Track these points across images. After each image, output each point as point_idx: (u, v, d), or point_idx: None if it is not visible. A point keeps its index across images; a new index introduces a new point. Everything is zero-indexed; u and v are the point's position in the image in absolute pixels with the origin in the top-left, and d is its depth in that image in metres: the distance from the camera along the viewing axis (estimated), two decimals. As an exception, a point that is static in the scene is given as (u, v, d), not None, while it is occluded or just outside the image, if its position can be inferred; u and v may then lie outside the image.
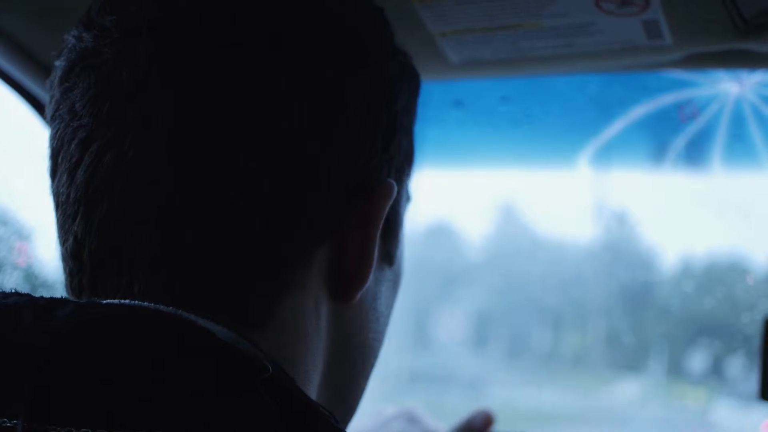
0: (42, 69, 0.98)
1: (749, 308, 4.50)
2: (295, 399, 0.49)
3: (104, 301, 0.51)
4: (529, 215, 5.02)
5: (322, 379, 0.59)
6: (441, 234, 4.47)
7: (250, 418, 0.47)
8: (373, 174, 0.57)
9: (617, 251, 4.43)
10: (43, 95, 0.95)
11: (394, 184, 0.57)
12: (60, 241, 0.57)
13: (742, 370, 4.98)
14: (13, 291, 0.52)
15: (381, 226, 0.57)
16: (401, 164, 0.61)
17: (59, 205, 0.56)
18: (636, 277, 4.32)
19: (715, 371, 5.03)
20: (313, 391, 0.58)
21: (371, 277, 0.57)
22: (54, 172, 0.56)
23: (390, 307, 0.65)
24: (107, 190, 0.52)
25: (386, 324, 0.65)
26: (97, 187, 0.53)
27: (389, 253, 0.62)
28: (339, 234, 0.55)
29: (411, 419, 0.99)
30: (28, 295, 0.51)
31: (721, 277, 4.42)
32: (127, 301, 0.51)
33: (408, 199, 0.65)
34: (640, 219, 4.37)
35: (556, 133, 1.05)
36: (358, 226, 0.56)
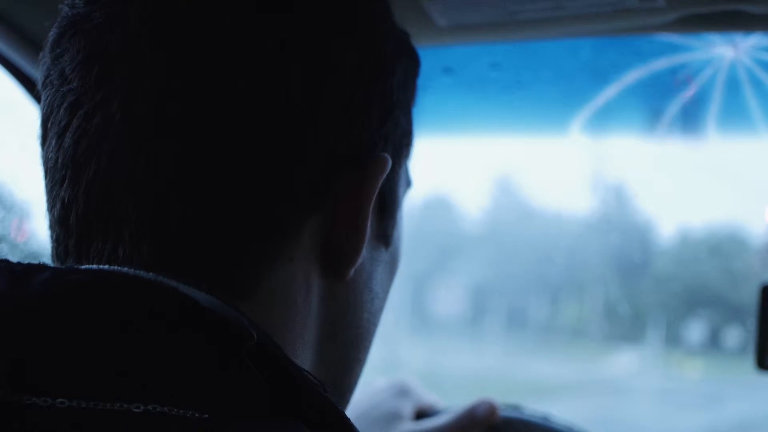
0: (35, 49, 0.96)
1: (747, 279, 4.52)
2: (282, 367, 0.48)
3: (82, 267, 0.50)
4: (526, 188, 5.02)
5: (316, 358, 0.58)
6: (438, 207, 4.47)
7: (234, 386, 0.46)
8: (366, 147, 0.55)
9: (615, 223, 4.43)
10: (35, 74, 0.94)
11: (389, 158, 0.56)
12: (48, 207, 0.56)
13: (739, 340, 5.00)
14: None
15: (373, 200, 0.55)
16: (398, 142, 0.59)
17: (48, 171, 0.55)
18: (634, 248, 4.33)
19: (713, 341, 5.05)
20: (304, 367, 0.57)
21: (366, 255, 0.56)
22: (44, 139, 0.55)
23: (386, 290, 0.64)
24: (94, 152, 0.51)
25: (381, 307, 0.64)
26: (85, 150, 0.51)
27: (385, 233, 0.61)
28: (330, 206, 0.54)
29: (403, 392, 0.98)
30: (5, 261, 0.50)
31: (718, 247, 4.43)
32: (107, 266, 0.50)
33: (408, 183, 0.64)
34: (637, 190, 4.36)
35: (548, 100, 1.03)
36: (350, 199, 0.54)
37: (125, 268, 0.50)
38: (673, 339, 5.11)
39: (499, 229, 4.97)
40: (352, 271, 0.57)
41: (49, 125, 0.55)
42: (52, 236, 0.56)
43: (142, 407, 0.44)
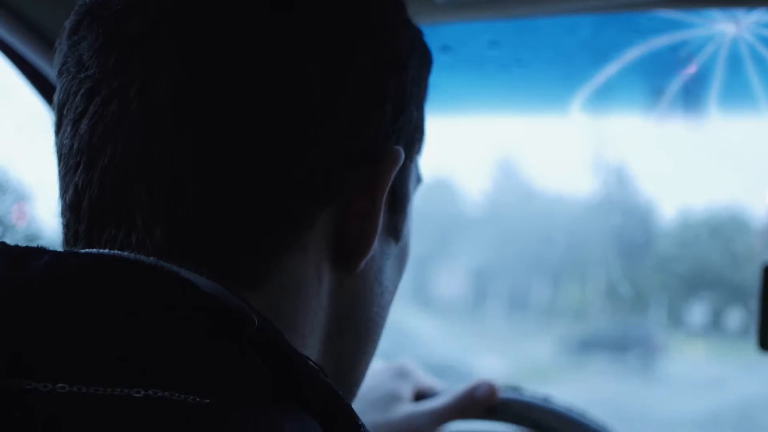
0: (46, 44, 0.95)
1: (748, 260, 4.52)
2: (283, 353, 0.48)
3: (82, 251, 0.50)
4: (526, 169, 5.01)
5: (324, 351, 0.58)
6: (439, 189, 4.47)
7: (235, 372, 0.46)
8: (379, 141, 0.56)
9: (616, 205, 4.43)
10: (47, 69, 0.93)
11: (401, 151, 0.56)
12: (60, 193, 0.55)
13: (741, 321, 5.00)
14: None
15: (386, 193, 0.56)
16: (411, 137, 0.59)
17: (62, 157, 0.54)
18: (635, 230, 4.33)
19: (715, 323, 5.05)
20: (312, 359, 0.57)
21: (376, 248, 0.57)
22: (59, 125, 0.55)
23: (395, 284, 0.64)
24: (110, 139, 0.51)
25: (390, 301, 0.64)
26: (101, 137, 0.51)
27: (396, 228, 0.61)
28: (343, 198, 0.54)
29: (402, 374, 0.97)
30: (2, 244, 0.50)
31: (720, 229, 4.43)
32: (106, 250, 0.50)
33: (418, 179, 0.64)
34: (638, 172, 4.35)
35: (547, 78, 1.02)
36: (363, 192, 0.55)
37: (125, 253, 0.49)
38: (674, 321, 5.11)
39: (500, 211, 4.97)
40: (362, 265, 0.58)
41: (64, 111, 0.55)
42: (62, 222, 0.56)
43: (142, 392, 0.44)
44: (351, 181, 0.55)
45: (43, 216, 1.28)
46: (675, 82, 1.01)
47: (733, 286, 4.84)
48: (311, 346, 0.57)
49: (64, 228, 0.55)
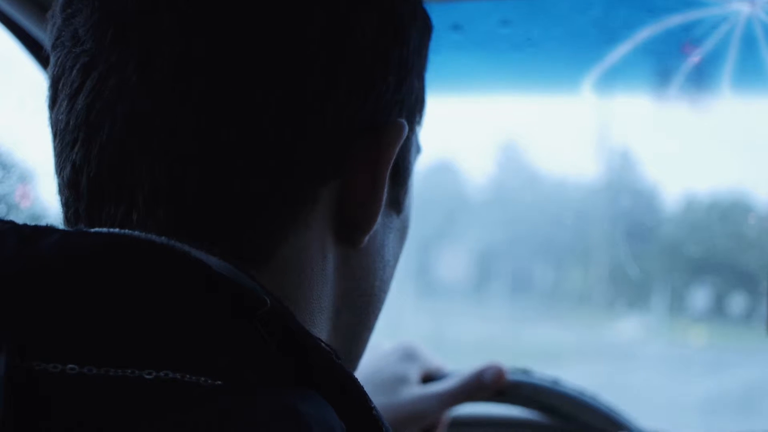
0: (40, 9, 0.94)
1: (753, 245, 4.52)
2: (295, 334, 0.48)
3: (92, 230, 0.49)
4: (531, 153, 4.99)
5: (329, 326, 0.58)
6: (442, 172, 4.45)
7: (247, 353, 0.45)
8: (382, 113, 0.55)
9: (620, 189, 4.42)
10: (41, 36, 0.92)
11: (405, 123, 0.56)
12: (57, 171, 0.55)
13: (744, 307, 5.01)
14: None
15: (390, 167, 0.55)
16: (412, 108, 0.59)
17: (57, 134, 0.54)
18: (639, 214, 4.31)
19: (718, 308, 5.05)
20: (320, 336, 0.56)
21: (379, 222, 0.56)
22: (53, 101, 0.55)
23: (396, 257, 0.64)
24: (109, 115, 0.51)
25: (392, 274, 0.64)
26: (99, 113, 0.51)
27: (398, 200, 0.61)
28: (346, 173, 0.54)
29: (409, 355, 0.97)
30: (11, 222, 0.49)
31: (724, 214, 4.42)
32: (117, 229, 0.49)
33: (418, 149, 0.64)
34: (642, 156, 4.34)
35: (558, 58, 1.02)
36: (367, 166, 0.55)
37: (136, 232, 0.49)
38: (678, 305, 5.11)
39: (504, 195, 4.96)
40: (366, 239, 0.57)
41: (59, 86, 0.54)
42: (61, 200, 0.55)
43: (154, 374, 0.43)
44: (354, 156, 0.55)
45: (47, 196, 1.27)
46: (688, 62, 1.00)
47: (737, 270, 4.83)
48: (319, 323, 0.57)
49: (63, 207, 0.55)
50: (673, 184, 4.37)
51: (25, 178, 1.25)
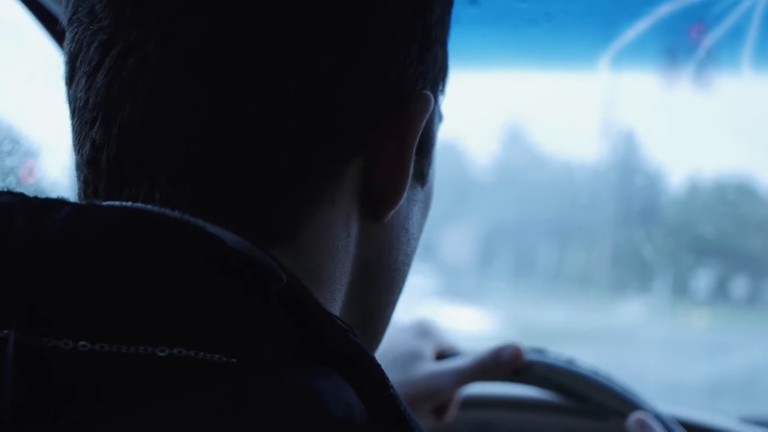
0: None
1: (756, 229, 4.51)
2: (311, 311, 0.47)
3: (104, 204, 0.48)
4: (535, 135, 4.99)
5: (348, 301, 0.57)
6: (446, 153, 4.44)
7: (262, 330, 0.45)
8: (407, 86, 0.54)
9: (624, 171, 4.41)
10: (56, 9, 0.91)
11: (431, 96, 0.55)
12: (75, 149, 0.54)
13: (747, 290, 5.01)
14: (5, 190, 0.49)
15: (417, 141, 0.54)
16: (436, 78, 0.58)
17: (76, 111, 0.53)
18: (643, 196, 4.31)
19: (721, 291, 5.06)
20: (336, 311, 0.55)
21: (404, 195, 0.55)
22: (71, 78, 0.54)
23: (420, 229, 0.63)
24: (130, 94, 0.50)
25: (416, 247, 0.63)
26: (119, 92, 0.50)
27: (422, 172, 0.60)
28: (372, 148, 0.53)
29: (424, 332, 0.97)
30: (21, 195, 0.48)
31: (728, 197, 4.41)
32: (129, 203, 0.48)
33: (440, 118, 0.62)
34: (647, 138, 4.33)
35: (577, 33, 1.00)
36: (393, 140, 0.54)
37: (149, 206, 0.47)
38: (680, 288, 5.11)
39: (509, 176, 4.95)
40: (391, 214, 0.56)
41: (77, 63, 0.53)
42: (79, 177, 0.55)
43: (167, 351, 0.42)
44: (380, 130, 0.54)
45: (53, 173, 1.27)
46: (708, 39, 0.98)
47: (740, 253, 4.83)
48: (340, 299, 0.56)
49: (82, 183, 0.54)
50: (678, 166, 4.36)
51: (31, 153, 1.24)
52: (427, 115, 0.55)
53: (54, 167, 1.23)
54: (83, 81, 0.52)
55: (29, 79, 1.04)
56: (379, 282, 0.59)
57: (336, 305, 0.56)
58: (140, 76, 0.50)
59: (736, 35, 0.97)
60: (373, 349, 0.62)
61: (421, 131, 0.55)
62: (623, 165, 4.31)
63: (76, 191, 0.55)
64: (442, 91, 0.61)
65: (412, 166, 0.55)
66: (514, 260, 5.52)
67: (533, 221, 5.20)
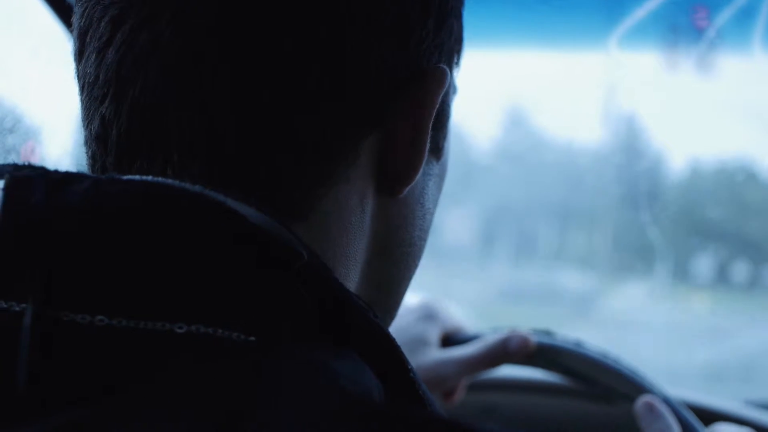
0: None
1: (757, 213, 4.51)
2: (331, 289, 0.46)
3: (124, 177, 0.47)
4: (537, 118, 4.98)
5: (362, 277, 0.56)
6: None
7: (282, 309, 0.44)
8: (423, 60, 0.54)
9: (626, 154, 4.40)
10: None
11: (447, 70, 0.54)
12: (84, 124, 0.54)
13: (747, 274, 5.01)
14: (27, 164, 0.48)
15: (433, 116, 0.54)
16: (451, 50, 0.57)
17: (86, 87, 0.53)
18: (644, 180, 4.30)
19: (721, 275, 5.06)
20: (352, 289, 0.55)
21: (420, 170, 0.55)
22: (81, 53, 0.53)
23: (435, 203, 0.63)
24: (142, 69, 0.49)
25: (431, 222, 0.62)
26: (131, 67, 0.50)
27: (438, 146, 0.59)
28: (388, 123, 0.53)
29: (429, 316, 0.96)
30: (42, 168, 0.48)
31: (729, 181, 4.40)
32: (150, 177, 0.47)
33: (455, 90, 0.62)
34: (649, 121, 4.33)
35: (586, 10, 0.99)
36: (410, 116, 0.53)
37: (169, 180, 0.46)
38: (681, 272, 5.11)
39: (511, 159, 4.94)
40: (407, 189, 0.55)
41: (87, 39, 0.53)
42: (87, 152, 0.54)
43: (185, 328, 0.42)
44: (396, 106, 0.53)
45: (55, 153, 1.26)
46: (720, 17, 0.97)
47: (741, 237, 4.83)
48: (354, 276, 0.56)
49: (90, 159, 0.54)
50: (680, 150, 4.36)
51: (33, 133, 1.23)
52: (444, 89, 0.54)
53: (56, 147, 1.22)
54: (93, 56, 0.51)
55: (32, 57, 1.03)
56: (394, 258, 0.59)
57: (351, 282, 0.55)
58: (153, 51, 0.49)
59: (746, 15, 0.96)
60: (389, 323, 0.62)
61: (437, 106, 0.54)
62: (625, 148, 4.30)
63: (85, 169, 0.55)
64: (458, 63, 0.60)
65: (428, 141, 0.54)
66: (516, 243, 5.53)
67: (535, 204, 5.20)
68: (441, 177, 0.62)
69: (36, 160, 1.27)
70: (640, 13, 0.98)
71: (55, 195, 0.45)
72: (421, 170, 0.55)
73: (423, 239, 0.61)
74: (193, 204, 0.45)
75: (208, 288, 0.43)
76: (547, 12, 0.99)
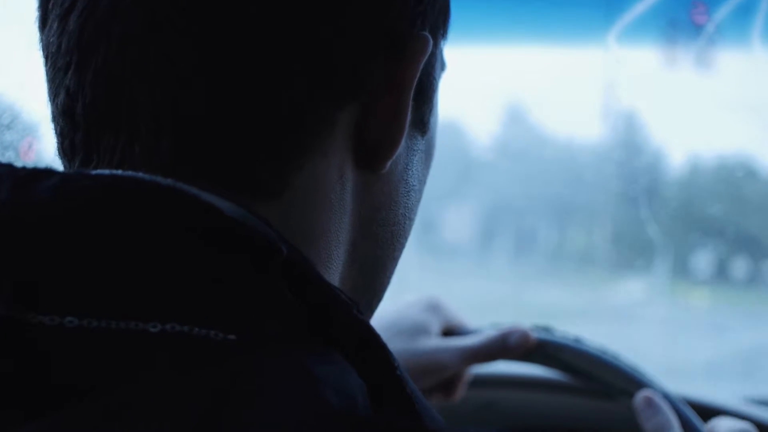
0: None
1: (756, 209, 4.50)
2: (313, 284, 0.45)
3: (93, 172, 0.46)
4: (536, 114, 4.96)
5: (347, 259, 0.55)
6: (448, 132, 4.42)
7: (259, 305, 0.43)
8: (404, 27, 0.52)
9: (626, 150, 4.39)
10: None
11: (429, 38, 0.53)
12: (50, 98, 0.52)
13: (747, 270, 5.00)
14: None
15: (414, 86, 0.52)
16: (435, 20, 0.56)
17: (49, 57, 0.51)
18: (643, 176, 4.29)
19: (721, 271, 5.05)
20: (336, 271, 0.54)
21: (402, 144, 0.53)
22: (44, 21, 0.51)
23: (422, 181, 0.61)
24: (103, 37, 0.47)
25: (418, 200, 0.61)
26: (92, 34, 0.48)
27: (422, 120, 0.58)
28: (366, 94, 0.51)
29: (432, 307, 0.95)
30: (8, 165, 0.46)
31: (728, 177, 4.39)
32: (119, 171, 0.46)
33: (443, 66, 0.60)
34: (649, 118, 4.32)
35: (585, 6, 0.98)
36: (389, 85, 0.52)
37: (140, 174, 0.46)
38: (680, 268, 5.10)
39: (510, 156, 4.93)
40: (388, 164, 0.54)
41: (50, 6, 0.51)
42: (55, 129, 0.52)
43: (159, 326, 0.42)
44: (374, 75, 0.51)
45: (53, 148, 1.24)
46: (720, 12, 0.97)
47: (741, 233, 4.82)
48: (337, 258, 0.54)
49: (58, 137, 0.52)
50: (680, 146, 4.34)
51: (31, 129, 1.22)
52: (425, 57, 0.52)
53: (53, 143, 1.21)
54: (55, 24, 0.50)
55: (29, 53, 1.02)
56: (379, 237, 0.57)
57: (333, 264, 0.54)
58: (115, 16, 0.48)
59: (746, 10, 0.96)
60: (374, 309, 0.60)
61: (419, 74, 0.52)
62: (624, 144, 4.29)
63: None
64: (444, 35, 0.58)
65: (409, 112, 0.53)
66: (515, 239, 5.51)
67: (534, 200, 5.18)
68: (428, 153, 0.61)
69: (33, 157, 1.26)
70: (639, 9, 0.98)
71: (21, 193, 0.44)
72: (403, 144, 0.53)
73: (409, 218, 0.59)
74: (165, 199, 0.44)
75: (182, 286, 0.42)
76: (546, 8, 0.99)
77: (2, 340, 0.40)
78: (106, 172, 0.47)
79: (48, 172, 0.47)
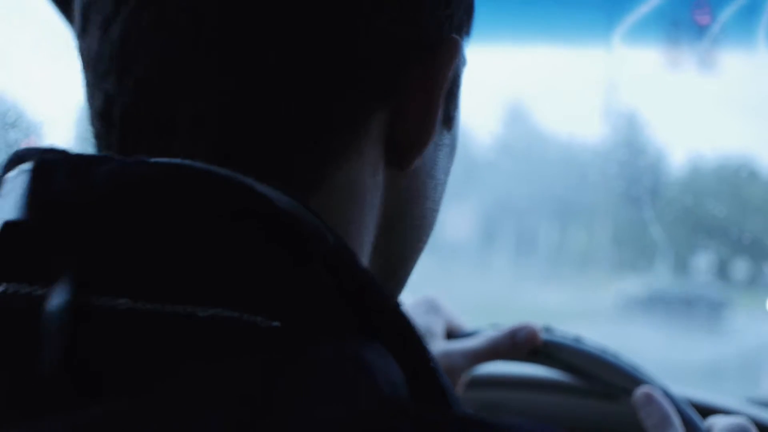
0: None
1: (757, 210, 4.51)
2: (357, 275, 0.45)
3: (151, 159, 0.46)
4: (537, 114, 4.97)
5: (373, 251, 0.55)
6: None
7: (306, 295, 0.43)
8: (434, 30, 0.53)
9: (626, 151, 4.40)
10: None
11: (459, 40, 0.53)
12: (88, 102, 0.53)
13: (747, 271, 5.01)
14: (50, 147, 0.48)
15: (445, 87, 0.53)
16: (461, 20, 0.56)
17: (89, 63, 0.52)
18: (644, 177, 4.30)
19: (721, 272, 5.06)
20: (365, 261, 0.54)
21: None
22: (84, 30, 0.52)
23: (447, 174, 0.62)
24: (146, 45, 0.48)
25: (443, 193, 0.61)
26: (135, 44, 0.49)
27: (448, 116, 0.58)
28: (400, 95, 0.52)
29: (433, 308, 0.95)
30: (63, 152, 0.47)
31: (729, 178, 4.40)
32: (177, 159, 0.46)
33: (464, 61, 0.61)
34: (650, 118, 4.33)
35: (588, 6, 0.99)
36: (421, 88, 0.52)
37: (196, 162, 0.46)
38: (681, 269, 5.11)
39: (511, 156, 4.94)
40: (416, 161, 0.55)
41: (90, 14, 0.51)
42: (93, 132, 0.53)
43: (209, 311, 0.41)
44: (407, 78, 0.52)
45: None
46: (725, 12, 0.97)
47: (741, 235, 4.83)
48: (364, 251, 0.55)
49: (95, 138, 0.53)
50: (680, 146, 4.35)
51: (34, 127, 1.22)
52: (456, 60, 0.53)
53: (57, 141, 1.21)
54: (97, 32, 0.50)
55: (33, 52, 1.03)
56: (404, 231, 0.58)
57: (363, 257, 0.55)
58: (158, 26, 0.48)
59: (749, 11, 0.96)
60: (398, 295, 0.61)
61: (450, 77, 0.53)
62: (626, 144, 4.30)
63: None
64: (467, 33, 0.59)
65: (440, 113, 0.53)
66: (516, 240, 5.53)
67: (535, 200, 5.20)
68: (452, 147, 0.61)
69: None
70: (642, 9, 0.98)
71: (77, 178, 0.44)
72: (432, 141, 0.54)
73: (434, 211, 0.60)
74: (220, 187, 0.44)
75: (231, 272, 0.43)
76: (549, 8, 0.99)
77: (64, 321, 0.42)
78: (164, 159, 0.48)
79: (104, 159, 0.47)
